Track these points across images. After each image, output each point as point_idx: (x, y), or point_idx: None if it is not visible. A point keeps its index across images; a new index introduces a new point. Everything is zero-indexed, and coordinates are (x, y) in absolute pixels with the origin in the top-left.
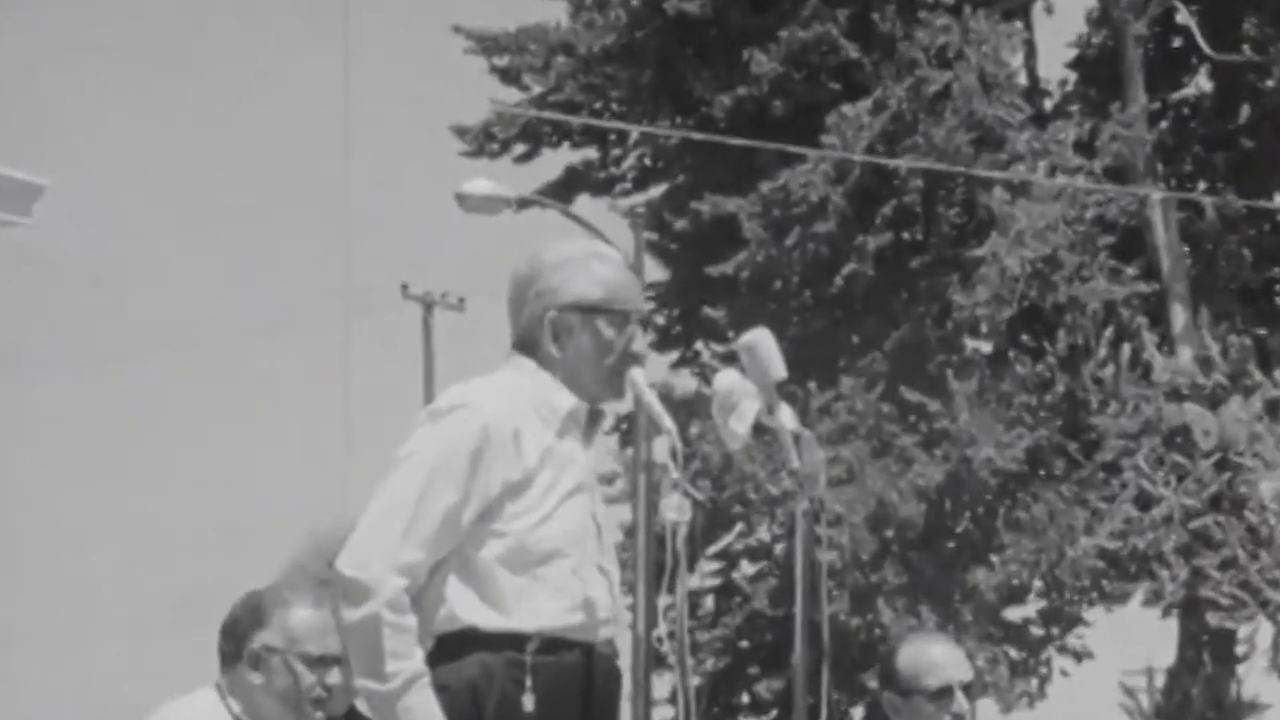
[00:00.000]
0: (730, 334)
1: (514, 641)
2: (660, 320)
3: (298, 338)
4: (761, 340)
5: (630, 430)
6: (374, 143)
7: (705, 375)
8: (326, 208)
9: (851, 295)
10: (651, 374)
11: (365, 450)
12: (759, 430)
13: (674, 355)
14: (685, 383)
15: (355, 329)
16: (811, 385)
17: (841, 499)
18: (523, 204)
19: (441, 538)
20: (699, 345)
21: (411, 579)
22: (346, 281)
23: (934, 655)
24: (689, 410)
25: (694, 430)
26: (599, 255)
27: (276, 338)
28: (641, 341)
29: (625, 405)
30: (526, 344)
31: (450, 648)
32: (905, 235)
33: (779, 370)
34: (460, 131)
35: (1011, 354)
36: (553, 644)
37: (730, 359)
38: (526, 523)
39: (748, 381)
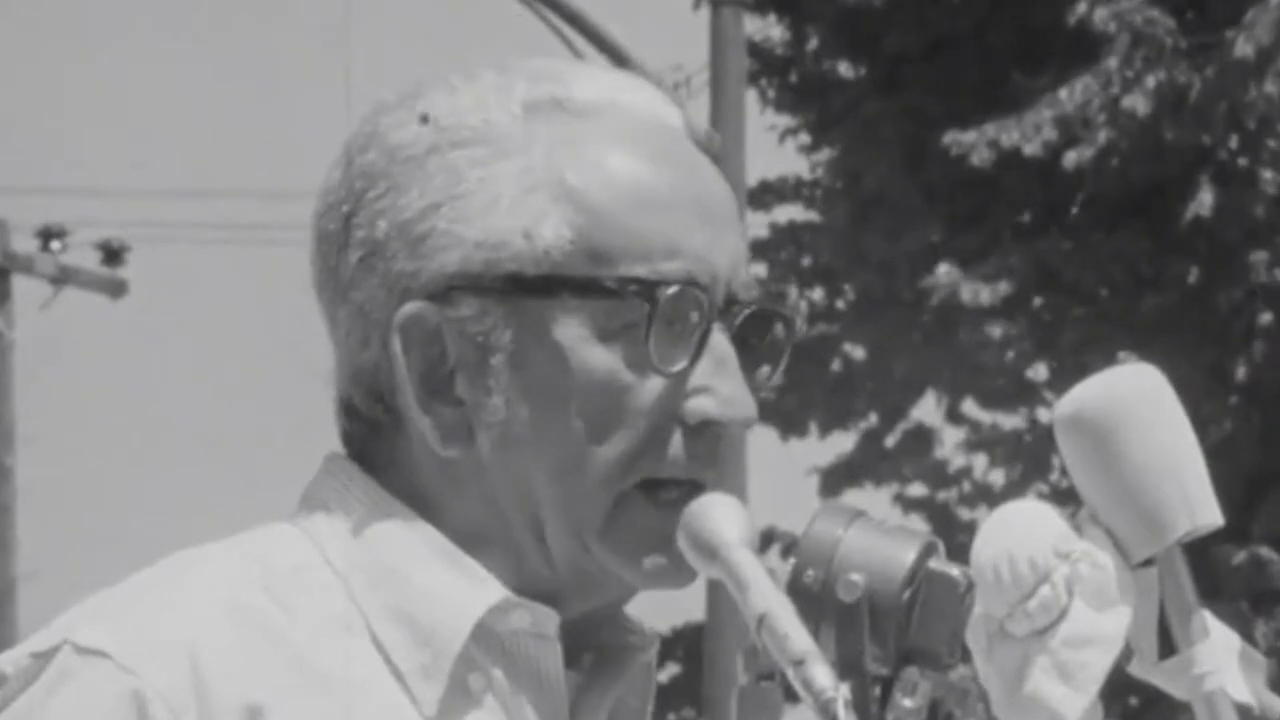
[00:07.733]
0: (1037, 374)
1: None
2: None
3: None
4: (1135, 403)
5: (687, 689)
6: None
7: (947, 514)
8: None
9: None
10: (770, 508)
11: None
12: (1134, 701)
13: (838, 438)
14: (880, 546)
15: None
16: None
17: None
18: None
19: None
20: (922, 405)
21: None
22: None
23: None
24: (885, 628)
25: (908, 703)
26: (600, 107)
27: None
28: (736, 383)
29: (677, 605)
30: (358, 414)
31: None
32: None
33: (1193, 506)
34: None
35: None
36: None
37: (1034, 463)
38: None
39: (1094, 544)
